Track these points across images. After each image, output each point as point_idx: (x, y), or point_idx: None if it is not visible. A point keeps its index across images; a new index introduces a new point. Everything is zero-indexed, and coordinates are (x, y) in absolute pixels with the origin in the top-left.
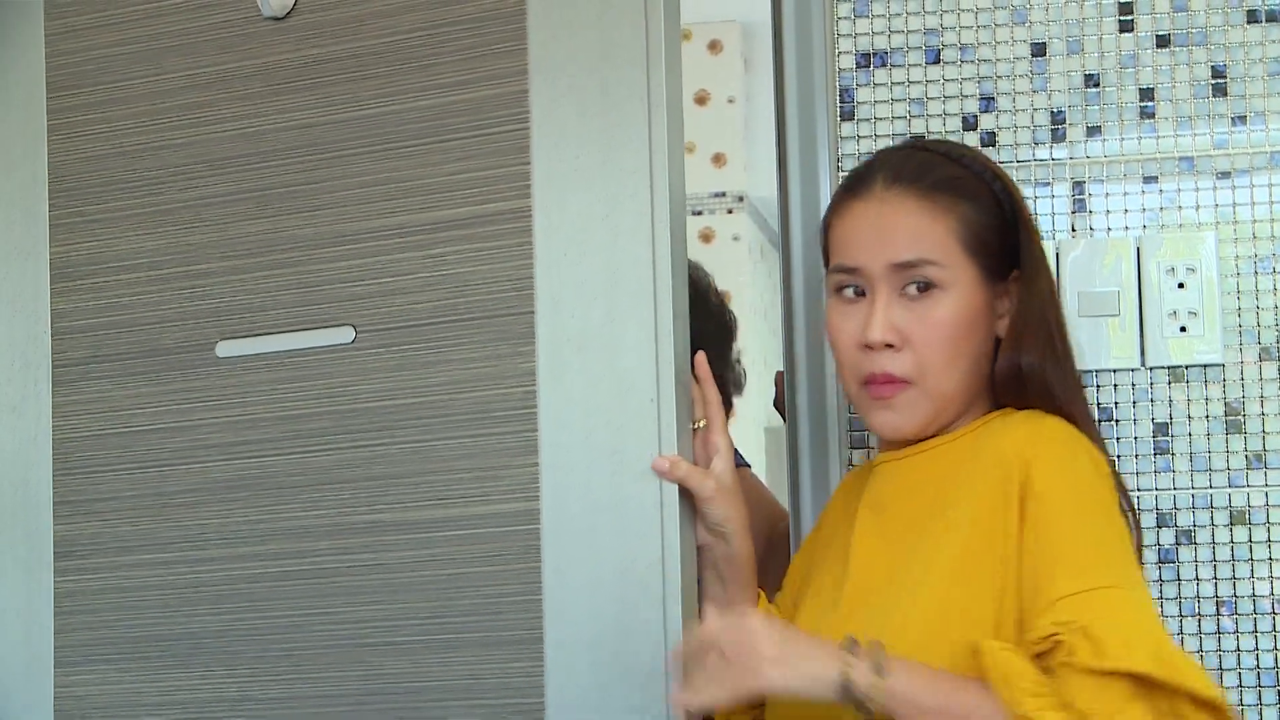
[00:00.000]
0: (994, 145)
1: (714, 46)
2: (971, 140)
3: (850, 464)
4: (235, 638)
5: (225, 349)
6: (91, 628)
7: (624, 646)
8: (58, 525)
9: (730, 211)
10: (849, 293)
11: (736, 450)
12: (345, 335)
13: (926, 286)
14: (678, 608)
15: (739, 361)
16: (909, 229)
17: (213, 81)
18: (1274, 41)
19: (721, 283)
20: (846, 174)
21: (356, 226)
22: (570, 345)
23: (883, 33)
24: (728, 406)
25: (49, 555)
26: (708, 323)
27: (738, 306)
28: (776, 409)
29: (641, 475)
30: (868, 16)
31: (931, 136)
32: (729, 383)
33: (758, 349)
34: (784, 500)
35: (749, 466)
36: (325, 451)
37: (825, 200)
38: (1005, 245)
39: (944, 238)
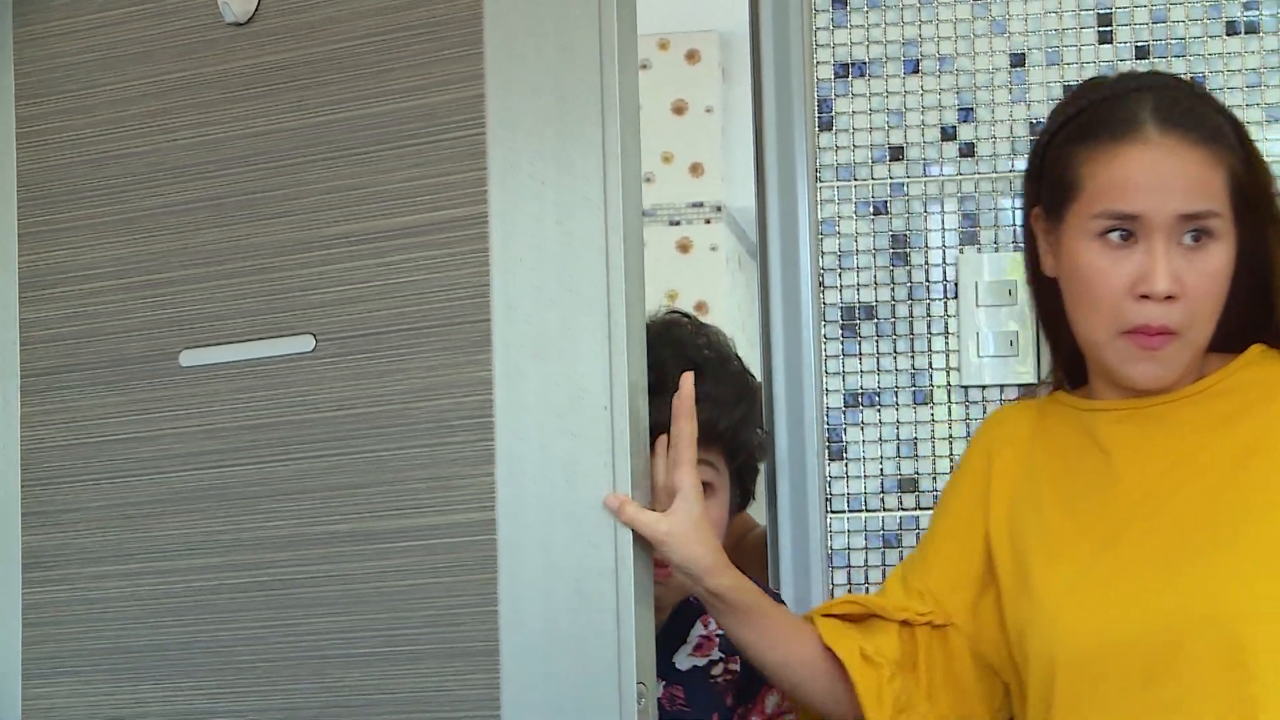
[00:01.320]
0: (973, 155)
1: (691, 56)
2: (950, 151)
3: (828, 476)
4: (198, 650)
5: (189, 358)
6: (58, 640)
7: (578, 657)
8: (26, 536)
9: (708, 221)
10: (1115, 237)
11: None
12: (305, 344)
13: (1200, 236)
14: (631, 617)
15: (763, 429)
16: (1196, 179)
17: (173, 88)
18: (1253, 52)
19: (699, 293)
20: (1080, 108)
21: (314, 234)
22: (525, 353)
23: (861, 43)
24: (750, 480)
25: (18, 566)
26: (725, 387)
27: (715, 315)
28: None
29: (596, 484)
30: (846, 27)
31: (910, 146)
32: (754, 446)
33: None
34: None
35: None
36: (285, 462)
37: (804, 210)
38: (1249, 190)
39: (1220, 188)
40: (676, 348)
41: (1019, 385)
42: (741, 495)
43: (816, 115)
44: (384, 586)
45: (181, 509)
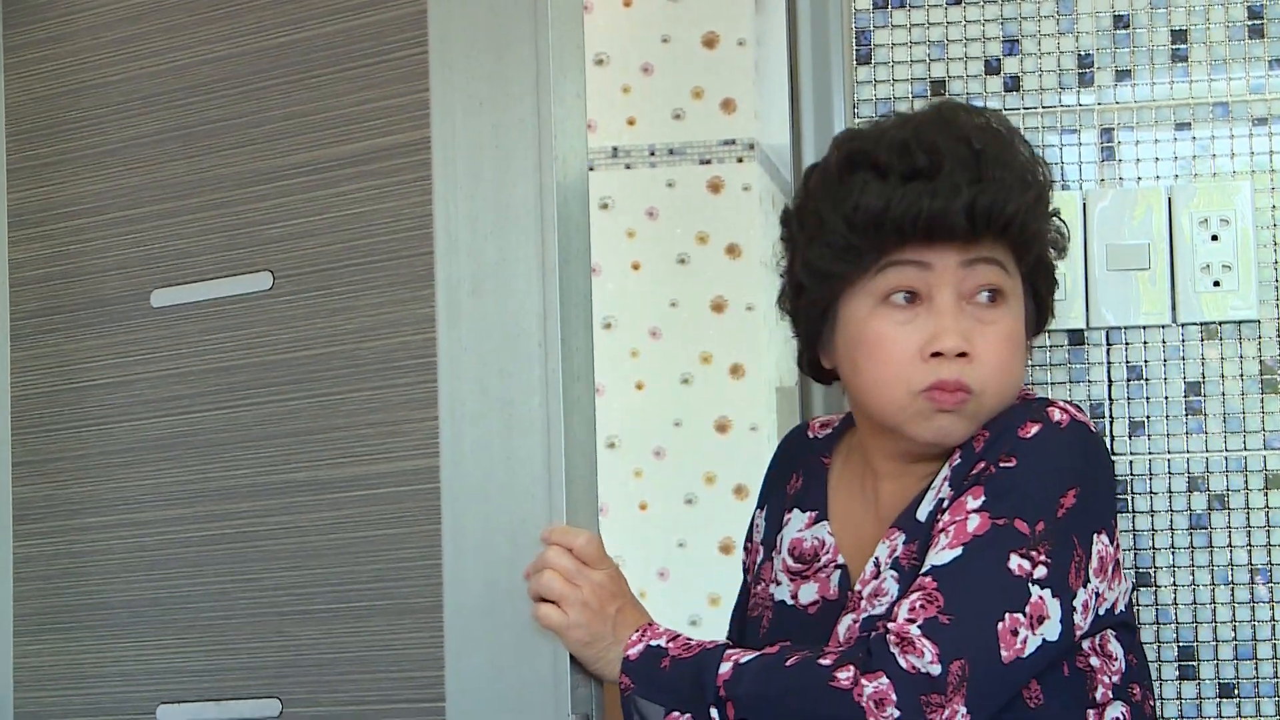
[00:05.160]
0: (1018, 90)
1: None
2: (994, 85)
3: None
4: (171, 605)
5: (160, 298)
6: (44, 594)
7: (516, 614)
8: (16, 487)
9: (740, 160)
10: None
11: None
12: (264, 281)
13: None
14: None
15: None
16: None
17: (145, 13)
18: None
19: (730, 235)
20: None
21: (271, 164)
22: (464, 288)
23: None
24: (1047, 290)
25: (8, 518)
26: (1008, 170)
27: (748, 259)
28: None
29: (530, 429)
30: None
31: (952, 80)
32: (1047, 242)
33: (768, 304)
34: None
35: None
36: (247, 406)
37: None
38: None
39: None
40: (948, 127)
41: (1067, 330)
42: (1038, 311)
43: (854, 48)
44: (336, 539)
45: (153, 458)
